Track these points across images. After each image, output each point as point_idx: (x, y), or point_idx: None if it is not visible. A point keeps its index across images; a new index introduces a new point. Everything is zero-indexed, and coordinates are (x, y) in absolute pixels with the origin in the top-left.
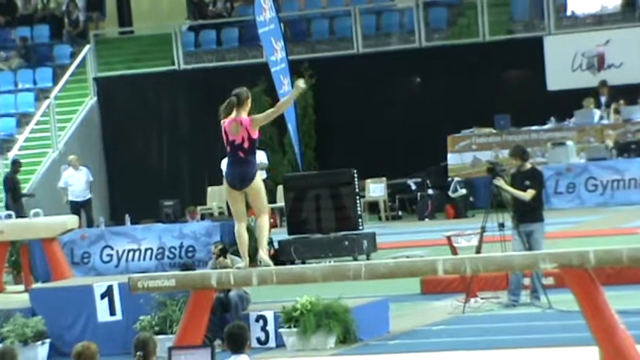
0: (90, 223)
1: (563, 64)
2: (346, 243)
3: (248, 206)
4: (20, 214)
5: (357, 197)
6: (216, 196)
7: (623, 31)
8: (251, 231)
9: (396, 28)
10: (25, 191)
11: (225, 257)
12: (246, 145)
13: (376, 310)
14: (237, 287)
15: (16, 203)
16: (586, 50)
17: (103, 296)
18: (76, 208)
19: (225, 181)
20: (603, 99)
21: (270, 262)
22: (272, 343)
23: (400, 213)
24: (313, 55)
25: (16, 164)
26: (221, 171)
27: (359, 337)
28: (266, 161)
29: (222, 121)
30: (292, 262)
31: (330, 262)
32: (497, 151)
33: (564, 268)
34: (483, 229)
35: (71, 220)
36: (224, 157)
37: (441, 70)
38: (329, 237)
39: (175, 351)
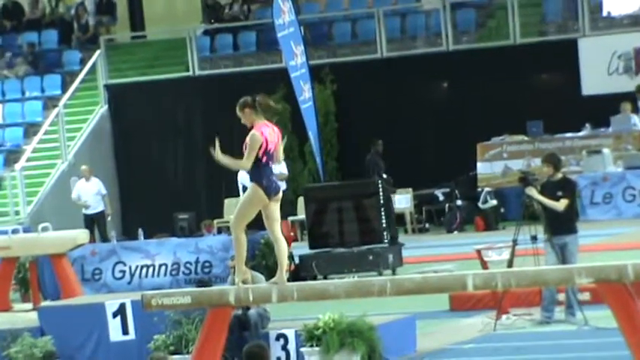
0: (103, 238)
1: (598, 68)
2: (370, 257)
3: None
4: None
5: (382, 209)
6: (234, 208)
7: None
8: (271, 244)
9: (422, 30)
10: (34, 202)
11: None
12: (273, 152)
13: (403, 328)
14: (257, 304)
15: None
16: (623, 52)
17: (115, 314)
18: (90, 221)
19: (259, 191)
20: None
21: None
22: None
23: (427, 225)
24: (335, 59)
25: (376, 144)
26: (237, 182)
27: (385, 357)
28: (286, 172)
29: (257, 125)
30: (314, 278)
31: (353, 277)
32: (529, 160)
33: (601, 283)
34: (515, 242)
35: (81, 235)
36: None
37: (470, 75)
38: (352, 251)
39: None
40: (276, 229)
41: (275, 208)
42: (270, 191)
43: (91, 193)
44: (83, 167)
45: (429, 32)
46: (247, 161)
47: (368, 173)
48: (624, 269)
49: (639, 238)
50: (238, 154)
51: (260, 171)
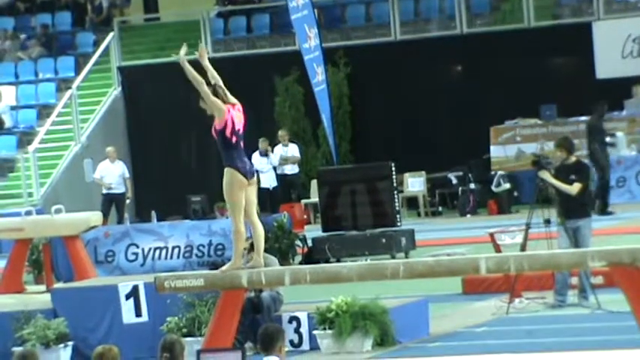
0: (121, 220)
1: (612, 51)
2: (383, 240)
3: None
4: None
5: (395, 192)
6: None
7: None
8: (284, 226)
9: (436, 13)
10: (47, 184)
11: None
12: (242, 133)
13: (415, 311)
14: (269, 287)
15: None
16: (637, 36)
17: (128, 297)
18: (109, 200)
19: (236, 174)
20: None
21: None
22: (306, 345)
23: (440, 208)
24: (348, 42)
25: (601, 109)
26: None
27: (397, 340)
28: (298, 155)
29: (223, 109)
30: (327, 261)
31: (366, 260)
32: (542, 143)
33: (614, 267)
34: (528, 226)
35: (94, 217)
36: (255, 151)
37: (484, 58)
38: (365, 234)
39: (204, 354)
40: (253, 212)
41: (251, 191)
42: (246, 172)
43: (115, 174)
44: (109, 149)
45: (443, 15)
46: (209, 97)
47: (589, 138)
48: (637, 253)
49: None
50: (249, 134)
51: (232, 153)
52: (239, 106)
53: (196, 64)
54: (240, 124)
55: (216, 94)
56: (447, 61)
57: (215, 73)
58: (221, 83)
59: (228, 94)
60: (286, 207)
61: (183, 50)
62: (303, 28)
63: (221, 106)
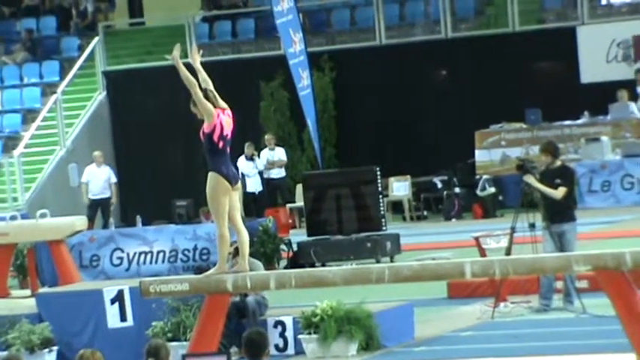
0: (106, 224)
1: (597, 56)
2: (369, 244)
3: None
4: None
5: (380, 196)
6: None
7: None
8: (269, 231)
9: (421, 17)
10: (32, 188)
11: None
12: (230, 138)
13: (400, 316)
14: (255, 291)
15: None
16: (622, 40)
17: (113, 301)
18: (94, 206)
19: (221, 179)
20: (639, 89)
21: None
22: (291, 349)
23: (425, 213)
24: (333, 46)
25: None
26: (237, 168)
27: (382, 344)
28: (285, 158)
29: (214, 112)
30: (312, 265)
31: (351, 264)
32: (527, 148)
33: (599, 271)
34: (513, 230)
35: (79, 222)
36: (241, 155)
37: (469, 62)
38: (350, 238)
39: (189, 358)
40: (237, 218)
41: (235, 196)
42: (230, 178)
43: (101, 179)
44: (96, 153)
45: (428, 19)
46: (200, 100)
47: None
48: (622, 257)
49: (637, 225)
50: (234, 138)
51: (218, 159)
52: (229, 111)
53: (188, 67)
54: (228, 130)
55: (207, 97)
56: (432, 66)
57: (206, 76)
58: (212, 87)
59: (218, 98)
60: (271, 211)
61: (177, 50)
62: (288, 32)
63: (211, 110)
